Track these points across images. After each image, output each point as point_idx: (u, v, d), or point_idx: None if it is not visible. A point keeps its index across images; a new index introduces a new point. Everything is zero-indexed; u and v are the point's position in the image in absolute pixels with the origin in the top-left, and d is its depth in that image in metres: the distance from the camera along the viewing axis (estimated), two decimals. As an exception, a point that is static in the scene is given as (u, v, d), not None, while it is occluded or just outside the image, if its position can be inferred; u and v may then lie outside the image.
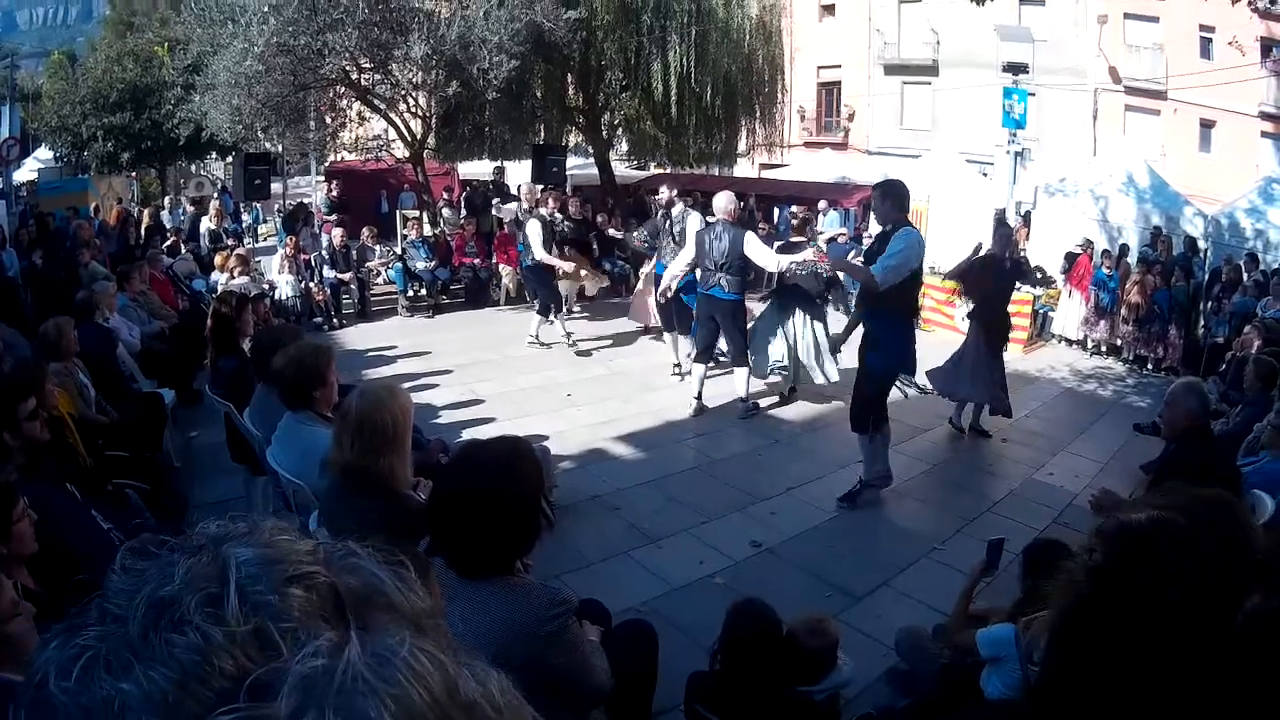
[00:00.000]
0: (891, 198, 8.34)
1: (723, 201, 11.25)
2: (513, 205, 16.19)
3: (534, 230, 13.88)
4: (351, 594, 0.86)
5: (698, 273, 11.32)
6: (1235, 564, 1.37)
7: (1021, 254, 19.74)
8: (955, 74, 36.74)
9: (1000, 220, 12.31)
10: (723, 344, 11.50)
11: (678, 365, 13.09)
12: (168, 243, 17.82)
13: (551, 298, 14.51)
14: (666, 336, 13.30)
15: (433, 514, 3.11)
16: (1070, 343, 18.71)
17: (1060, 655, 1.52)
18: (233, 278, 14.18)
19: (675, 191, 12.94)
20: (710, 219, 11.59)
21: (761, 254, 11.01)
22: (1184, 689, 1.30)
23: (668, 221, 12.72)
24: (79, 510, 5.08)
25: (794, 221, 13.01)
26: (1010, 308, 16.10)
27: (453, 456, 3.98)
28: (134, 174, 35.88)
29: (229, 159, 29.87)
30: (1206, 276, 18.40)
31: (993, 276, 11.12)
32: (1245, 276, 16.83)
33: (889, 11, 39.96)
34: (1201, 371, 14.70)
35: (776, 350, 11.82)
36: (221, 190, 31.14)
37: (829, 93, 43.32)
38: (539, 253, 13.83)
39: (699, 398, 11.44)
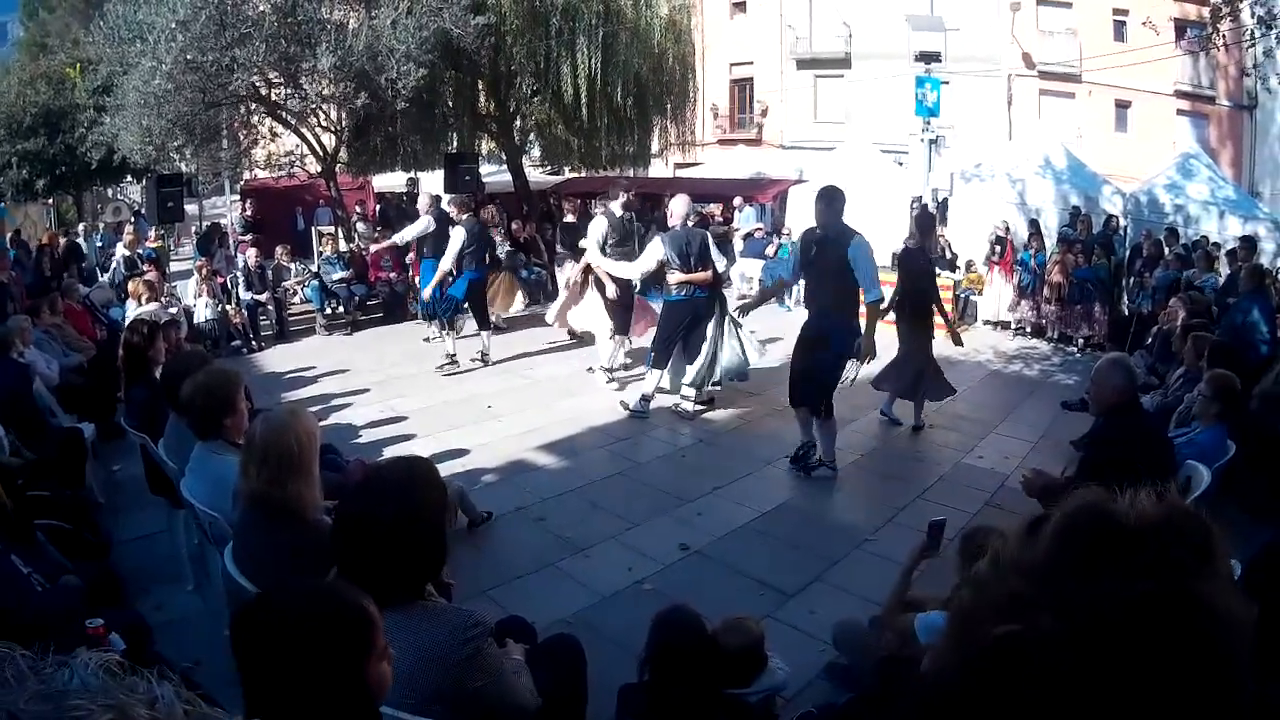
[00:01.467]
0: (830, 203, 8.98)
1: (683, 205, 11.28)
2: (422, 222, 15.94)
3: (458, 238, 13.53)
4: None
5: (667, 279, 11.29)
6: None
7: (941, 240, 20.00)
8: (868, 65, 36.90)
9: (921, 210, 12.26)
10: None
11: (610, 370, 12.98)
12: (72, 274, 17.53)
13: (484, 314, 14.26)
14: (612, 341, 13.09)
15: (336, 543, 3.03)
16: (998, 325, 18.84)
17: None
18: (140, 304, 13.89)
19: (631, 194, 12.99)
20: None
21: (717, 254, 11.22)
22: None
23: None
24: (-5, 556, 4.94)
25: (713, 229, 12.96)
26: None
27: (352, 482, 3.91)
28: (50, 201, 35.36)
29: (144, 182, 29.53)
30: (1128, 253, 18.64)
31: (912, 268, 11.17)
32: (1167, 250, 17.03)
33: (800, 6, 40.18)
34: (1128, 345, 14.84)
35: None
36: (136, 214, 30.68)
37: (742, 89, 43.53)
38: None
39: (651, 398, 11.41)
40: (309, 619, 2.28)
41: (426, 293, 13.71)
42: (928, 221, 12.02)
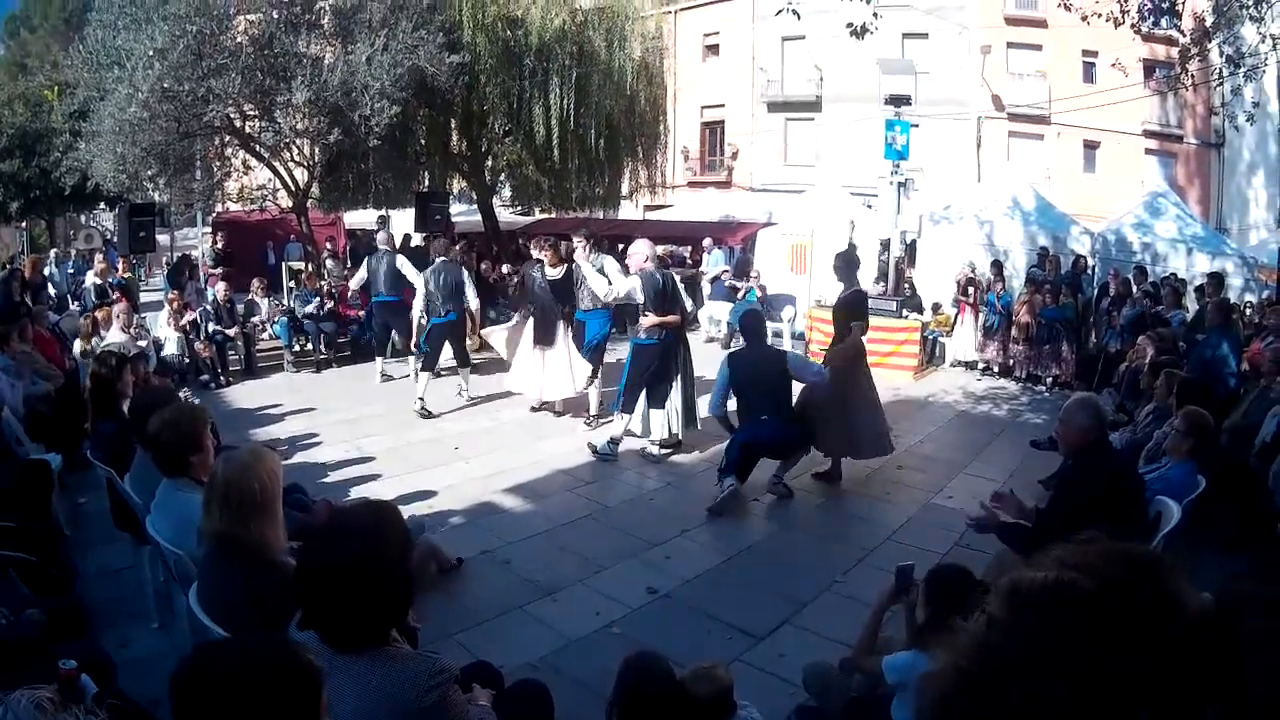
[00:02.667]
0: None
1: (647, 248, 11.40)
2: (360, 271, 16.18)
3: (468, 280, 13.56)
4: None
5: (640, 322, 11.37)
6: (1153, 642, 1.19)
7: (907, 281, 20.09)
8: (839, 108, 37.49)
9: (842, 255, 11.93)
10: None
11: (595, 416, 12.97)
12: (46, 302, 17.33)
13: (435, 356, 14.02)
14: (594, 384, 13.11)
15: (301, 588, 2.99)
16: (969, 366, 18.93)
17: None
18: (101, 338, 13.72)
19: (590, 240, 12.97)
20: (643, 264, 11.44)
21: (683, 296, 11.21)
22: None
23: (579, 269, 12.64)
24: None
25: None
26: (898, 335, 16.29)
27: (318, 523, 3.88)
28: (23, 224, 35.20)
29: (116, 209, 29.45)
30: (1095, 291, 18.76)
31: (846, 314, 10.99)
32: (1135, 288, 17.14)
33: (772, 50, 40.71)
34: (1096, 383, 14.93)
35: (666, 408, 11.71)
36: (107, 242, 30.54)
37: (712, 132, 44.03)
38: (474, 302, 13.56)
39: (619, 440, 11.42)
40: (262, 679, 2.17)
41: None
42: (854, 260, 11.68)
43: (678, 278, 11.54)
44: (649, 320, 10.98)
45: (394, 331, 16.04)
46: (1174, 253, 20.43)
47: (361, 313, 18.12)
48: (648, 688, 4.00)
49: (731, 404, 10.00)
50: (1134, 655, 1.12)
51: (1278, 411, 9.32)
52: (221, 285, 17.17)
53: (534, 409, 13.59)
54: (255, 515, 3.93)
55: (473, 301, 13.71)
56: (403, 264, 15.18)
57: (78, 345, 13.69)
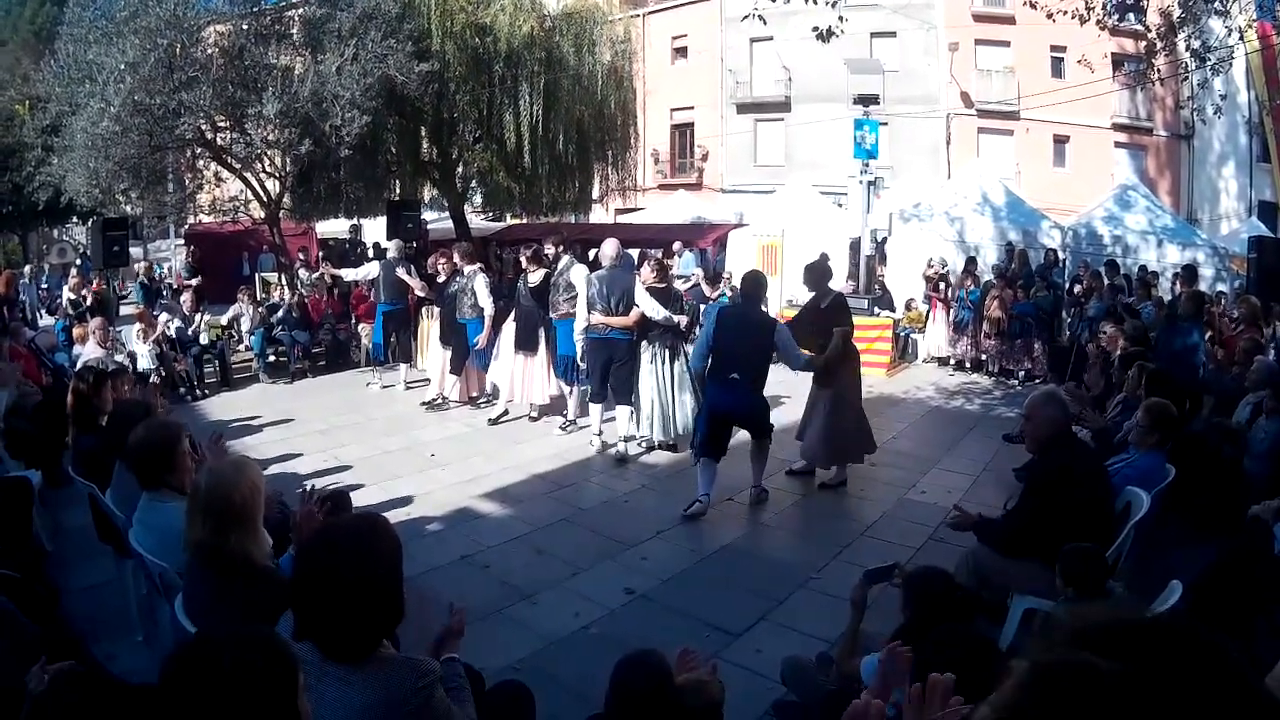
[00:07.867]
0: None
1: (610, 249, 11.65)
2: (370, 267, 16.33)
3: (482, 284, 13.70)
4: None
5: (582, 320, 11.65)
6: None
7: (880, 279, 20.16)
8: (808, 109, 37.56)
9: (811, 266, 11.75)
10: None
11: (571, 421, 13.01)
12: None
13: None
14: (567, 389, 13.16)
15: (295, 599, 3.05)
16: (941, 362, 19.05)
17: None
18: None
19: (561, 245, 13.04)
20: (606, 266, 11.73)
21: (647, 301, 11.21)
22: None
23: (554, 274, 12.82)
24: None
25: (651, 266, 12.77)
26: (870, 333, 16.32)
27: (310, 538, 3.90)
28: (-4, 239, 35.09)
29: (89, 224, 29.14)
30: (1066, 284, 18.89)
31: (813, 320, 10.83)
32: (1107, 282, 17.26)
33: (741, 51, 40.75)
34: (1068, 375, 15.03)
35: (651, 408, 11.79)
36: (82, 256, 30.37)
37: (682, 134, 44.08)
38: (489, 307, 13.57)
39: (602, 434, 11.79)
40: (250, 664, 2.25)
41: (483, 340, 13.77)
42: (826, 271, 11.46)
43: (641, 284, 11.50)
44: (595, 317, 11.32)
45: (395, 338, 16.04)
46: (1145, 245, 20.56)
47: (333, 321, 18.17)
48: (644, 688, 4.00)
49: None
50: None
51: (1250, 400, 9.45)
52: (187, 295, 17.19)
53: (500, 418, 13.61)
54: (233, 527, 3.96)
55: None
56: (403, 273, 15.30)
57: (80, 350, 13.73)
